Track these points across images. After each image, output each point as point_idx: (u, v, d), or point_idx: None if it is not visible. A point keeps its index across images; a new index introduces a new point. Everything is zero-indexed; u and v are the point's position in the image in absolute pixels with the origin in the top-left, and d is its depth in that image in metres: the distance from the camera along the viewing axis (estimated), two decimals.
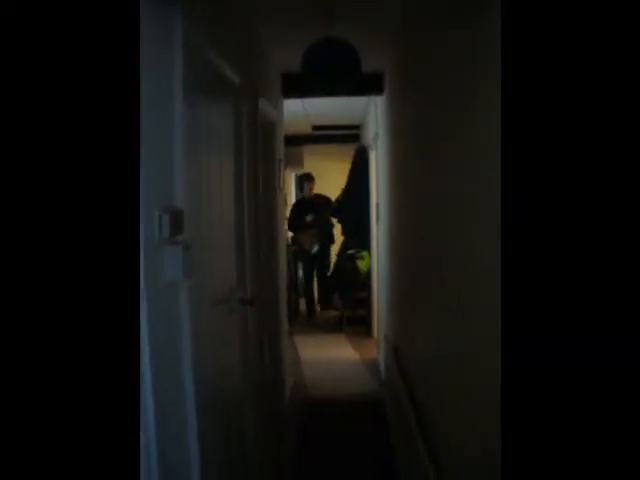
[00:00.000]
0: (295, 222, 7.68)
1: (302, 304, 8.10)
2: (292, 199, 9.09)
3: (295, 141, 8.07)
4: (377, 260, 5.85)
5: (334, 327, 7.19)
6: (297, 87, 4.57)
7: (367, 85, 4.55)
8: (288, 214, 7.50)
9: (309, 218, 7.56)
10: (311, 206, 7.67)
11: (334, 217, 7.59)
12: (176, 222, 1.63)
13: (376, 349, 5.90)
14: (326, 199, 7.73)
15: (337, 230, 7.70)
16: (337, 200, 7.56)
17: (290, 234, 7.66)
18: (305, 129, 8.12)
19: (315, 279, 7.95)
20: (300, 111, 6.43)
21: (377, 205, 5.56)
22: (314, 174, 7.89)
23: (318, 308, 8.13)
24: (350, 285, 6.98)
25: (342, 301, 7.24)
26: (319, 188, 7.85)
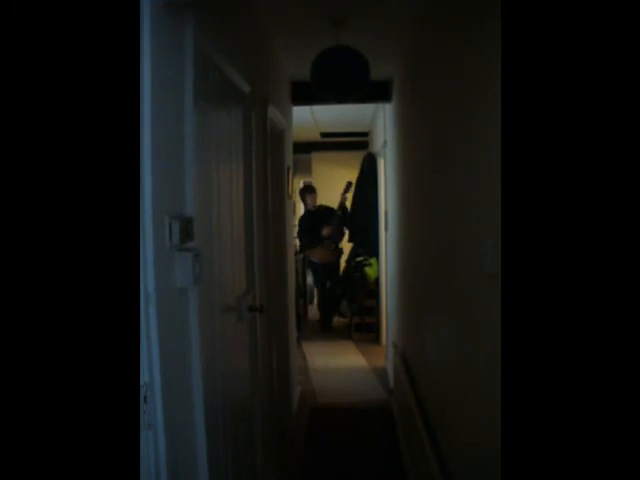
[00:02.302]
0: (308, 237, 7.45)
1: (311, 311, 8.08)
2: (301, 206, 9.08)
3: (304, 148, 8.09)
4: (385, 267, 5.85)
5: (343, 334, 7.18)
6: (306, 95, 4.59)
7: (375, 92, 4.57)
8: (297, 227, 7.29)
9: (326, 232, 7.34)
10: (320, 218, 7.46)
11: (344, 225, 7.46)
12: (186, 229, 1.63)
13: (384, 356, 5.89)
14: (331, 209, 7.53)
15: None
16: (340, 207, 7.44)
17: (299, 245, 7.56)
18: (314, 136, 8.14)
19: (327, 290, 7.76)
20: (309, 118, 6.45)
21: (385, 212, 5.56)
22: (322, 181, 7.85)
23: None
24: (358, 292, 6.98)
25: (350, 308, 7.23)
26: (327, 195, 7.76)
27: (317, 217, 7.47)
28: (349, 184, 7.35)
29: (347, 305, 7.43)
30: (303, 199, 7.67)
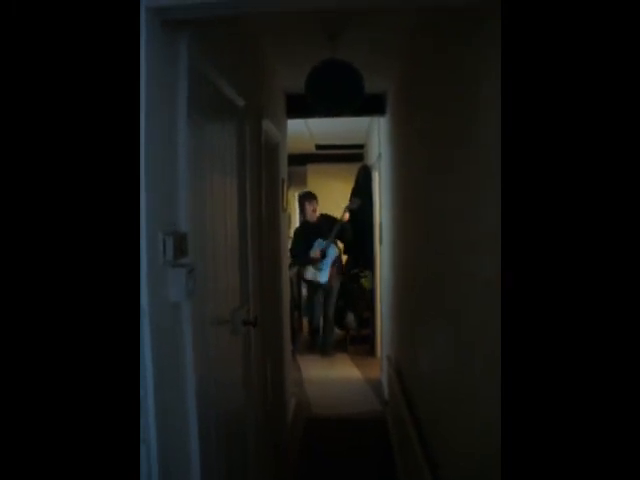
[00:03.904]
0: (300, 253, 6.58)
1: (305, 324, 8.03)
2: (296, 218, 9.01)
3: (299, 160, 8.08)
4: (380, 279, 5.85)
5: (338, 346, 7.16)
6: (301, 107, 4.60)
7: (370, 106, 4.59)
8: (291, 241, 6.52)
9: (314, 254, 6.51)
10: (318, 231, 6.57)
11: (339, 239, 6.76)
12: (180, 245, 1.64)
13: (379, 369, 5.89)
14: (333, 220, 6.62)
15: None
16: (339, 221, 6.58)
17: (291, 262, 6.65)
18: (309, 148, 8.14)
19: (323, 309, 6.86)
20: (304, 130, 6.46)
21: (380, 224, 5.57)
22: (317, 193, 6.96)
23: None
24: (359, 303, 6.94)
25: (355, 320, 7.14)
26: (323, 208, 6.94)
27: (312, 231, 6.60)
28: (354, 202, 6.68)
29: (353, 317, 7.25)
30: (302, 208, 6.82)
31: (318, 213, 6.71)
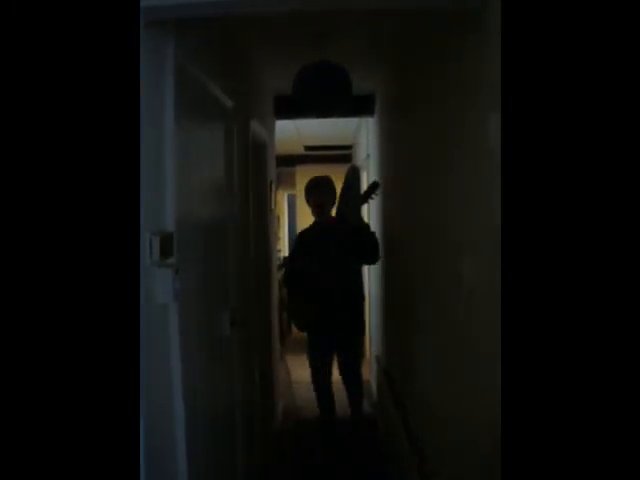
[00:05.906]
0: (295, 277, 4.01)
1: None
2: (284, 219, 8.94)
3: (288, 162, 8.07)
4: (369, 282, 5.85)
5: None
6: (289, 108, 4.59)
7: (358, 106, 4.58)
8: (288, 252, 4.51)
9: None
10: (330, 239, 3.88)
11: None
12: (166, 245, 1.63)
13: (369, 370, 5.88)
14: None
15: None
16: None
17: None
18: (297, 149, 8.14)
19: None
20: (292, 131, 6.46)
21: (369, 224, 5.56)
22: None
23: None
24: None
25: None
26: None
27: (323, 237, 3.91)
28: (375, 185, 4.12)
29: None
30: (308, 202, 4.06)
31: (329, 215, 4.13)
